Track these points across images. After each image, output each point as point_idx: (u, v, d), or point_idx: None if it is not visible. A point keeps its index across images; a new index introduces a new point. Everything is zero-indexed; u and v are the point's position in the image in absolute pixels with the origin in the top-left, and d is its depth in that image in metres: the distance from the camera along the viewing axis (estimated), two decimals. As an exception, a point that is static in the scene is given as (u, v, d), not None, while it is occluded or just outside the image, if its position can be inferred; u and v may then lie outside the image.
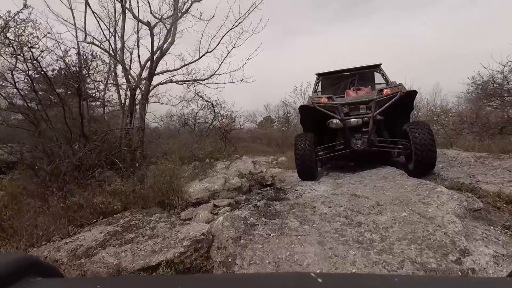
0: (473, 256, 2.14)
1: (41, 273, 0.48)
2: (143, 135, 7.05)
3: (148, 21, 6.14)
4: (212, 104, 10.77)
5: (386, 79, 6.16)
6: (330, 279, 0.44)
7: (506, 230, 2.65)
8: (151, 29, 6.21)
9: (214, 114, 11.11)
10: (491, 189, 3.65)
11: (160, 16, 6.20)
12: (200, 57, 8.04)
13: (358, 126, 4.96)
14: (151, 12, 6.11)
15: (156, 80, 8.63)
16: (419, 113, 15.05)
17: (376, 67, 6.47)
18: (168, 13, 7.07)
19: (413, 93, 5.15)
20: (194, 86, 9.79)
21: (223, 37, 7.92)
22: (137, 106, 7.38)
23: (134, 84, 7.00)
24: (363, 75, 6.54)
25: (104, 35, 8.74)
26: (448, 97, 25.80)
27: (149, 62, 7.12)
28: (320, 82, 6.62)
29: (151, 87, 7.56)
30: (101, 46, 7.48)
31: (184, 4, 6.48)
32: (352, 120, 4.95)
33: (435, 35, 41.98)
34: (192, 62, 8.06)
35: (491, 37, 36.50)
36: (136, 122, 8.00)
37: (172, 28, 6.98)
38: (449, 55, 38.28)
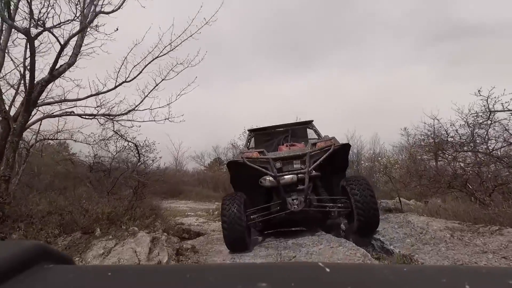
0: None
1: (53, 260, 0.48)
2: (7, 187, 4.77)
3: (26, 28, 4.31)
4: (135, 145, 8.76)
5: (319, 135, 6.15)
6: (337, 268, 0.45)
7: None
8: (31, 40, 4.37)
9: (138, 158, 9.04)
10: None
11: (52, 25, 4.46)
12: (116, 87, 6.28)
13: (294, 184, 4.72)
14: (31, 18, 4.31)
15: (45, 110, 6.51)
16: (366, 164, 15.10)
17: (309, 123, 6.54)
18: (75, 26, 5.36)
19: (347, 146, 5.22)
20: (113, 123, 7.83)
21: (146, 65, 6.36)
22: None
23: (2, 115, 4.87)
24: (296, 131, 6.51)
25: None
26: (386, 145, 27.53)
27: (35, 86, 5.16)
28: (253, 139, 6.47)
29: (32, 119, 5.51)
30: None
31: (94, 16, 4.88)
32: (286, 176, 4.70)
33: (373, 89, 46.67)
34: (104, 92, 6.26)
35: (418, 93, 41.90)
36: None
37: (74, 45, 5.24)
38: (385, 106, 42.32)
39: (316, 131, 6.33)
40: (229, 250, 4.48)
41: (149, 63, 6.33)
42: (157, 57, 6.30)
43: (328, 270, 0.42)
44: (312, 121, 6.55)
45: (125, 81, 6.28)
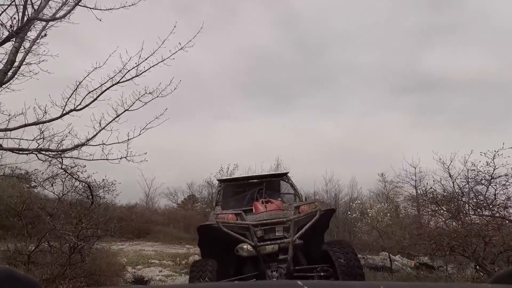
0: None
1: (19, 285, 0.47)
2: None
3: None
4: (89, 185, 7.26)
5: (295, 189, 5.99)
6: (316, 286, 0.49)
7: None
8: None
9: (91, 201, 7.48)
10: None
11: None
12: (63, 115, 5.01)
13: (275, 254, 4.41)
14: None
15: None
16: (353, 215, 14.20)
17: (284, 175, 6.39)
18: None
19: (332, 211, 5.30)
20: (61, 159, 6.38)
21: (103, 92, 5.20)
22: None
23: None
24: (271, 183, 6.13)
25: None
26: (363, 190, 27.23)
27: None
28: (222, 190, 5.94)
29: None
30: None
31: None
32: (267, 246, 4.35)
33: (348, 133, 47.85)
34: (45, 122, 4.95)
35: (390, 139, 43.45)
36: None
37: (6, 60, 4.06)
38: (359, 150, 43.13)
39: (292, 185, 6.09)
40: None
41: (107, 89, 5.19)
42: (118, 82, 5.19)
43: None
44: (288, 173, 6.44)
45: (74, 109, 5.04)
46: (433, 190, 7.80)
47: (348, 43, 55.56)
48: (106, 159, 5.23)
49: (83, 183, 7.07)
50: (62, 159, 6.46)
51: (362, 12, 55.30)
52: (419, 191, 18.55)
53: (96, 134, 5.54)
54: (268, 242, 4.32)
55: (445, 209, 8.03)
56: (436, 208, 8.28)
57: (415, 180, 18.49)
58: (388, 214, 11.31)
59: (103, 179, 8.62)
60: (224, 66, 57.55)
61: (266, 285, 0.52)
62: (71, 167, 6.77)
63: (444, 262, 9.45)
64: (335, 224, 23.63)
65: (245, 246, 4.31)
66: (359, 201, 22.55)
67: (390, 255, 12.50)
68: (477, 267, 7.35)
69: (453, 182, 11.74)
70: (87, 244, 5.91)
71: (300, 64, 56.41)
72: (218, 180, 6.54)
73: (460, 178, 8.85)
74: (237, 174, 26.88)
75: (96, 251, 8.39)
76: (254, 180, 6.15)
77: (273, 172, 6.79)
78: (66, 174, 6.84)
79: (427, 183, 8.61)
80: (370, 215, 12.64)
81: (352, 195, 25.89)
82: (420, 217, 9.83)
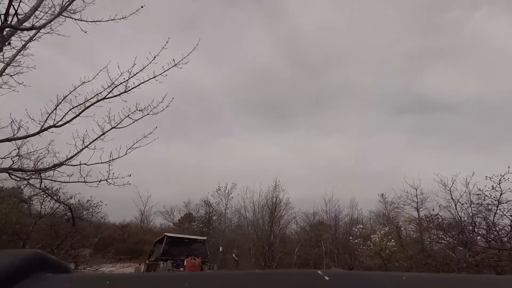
0: None
1: (51, 268, 0.48)
2: None
3: None
4: (69, 207, 6.77)
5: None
6: (336, 276, 0.44)
7: None
8: None
9: (72, 224, 6.97)
10: None
11: None
12: (41, 131, 4.63)
13: None
14: None
15: None
16: (352, 238, 13.35)
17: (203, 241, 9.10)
18: None
19: None
20: (41, 177, 5.96)
21: (87, 107, 4.84)
22: None
23: None
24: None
25: None
26: (364, 211, 26.47)
27: None
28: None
29: None
30: None
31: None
32: None
33: (346, 153, 47.51)
34: (20, 138, 4.56)
35: (388, 159, 43.06)
36: None
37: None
38: (358, 170, 42.59)
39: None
40: None
41: (91, 105, 4.83)
42: (104, 98, 4.85)
43: (327, 278, 0.42)
44: (205, 239, 9.04)
45: (54, 126, 4.66)
46: (438, 215, 7.29)
47: (348, 63, 56.47)
48: (84, 182, 4.78)
49: (64, 205, 6.58)
50: (41, 179, 6.04)
51: (363, 34, 56.57)
52: (421, 214, 17.99)
53: (78, 152, 5.13)
54: None
55: (451, 236, 7.51)
56: (442, 235, 7.75)
57: (417, 202, 17.90)
58: (392, 240, 10.68)
59: (87, 200, 8.12)
60: (225, 85, 58.09)
61: (284, 273, 0.44)
62: (52, 187, 6.33)
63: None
64: (335, 245, 22.74)
65: None
66: (361, 226, 21.69)
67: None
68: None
69: (455, 205, 11.23)
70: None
71: (300, 83, 57.03)
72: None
73: (462, 202, 8.41)
74: (233, 194, 26.29)
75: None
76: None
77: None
78: (46, 194, 6.36)
79: (432, 209, 8.14)
80: (373, 240, 11.95)
81: (352, 216, 25.12)
82: (424, 243, 9.23)
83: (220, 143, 50.69)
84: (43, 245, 6.41)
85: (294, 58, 58.90)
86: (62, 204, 6.70)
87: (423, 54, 52.61)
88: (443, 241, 8.36)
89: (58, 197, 6.66)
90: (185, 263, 6.87)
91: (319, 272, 0.44)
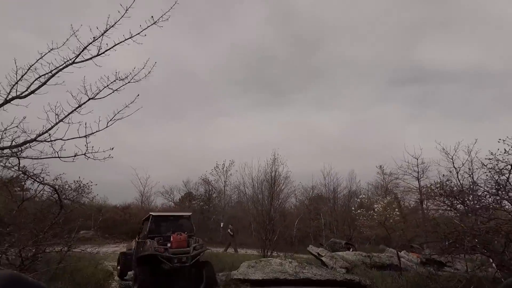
0: None
1: None
2: None
3: None
4: (55, 189, 6.30)
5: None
6: None
7: None
8: None
9: (60, 207, 6.51)
10: None
11: None
12: (3, 104, 4.01)
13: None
14: None
15: None
16: (354, 209, 13.25)
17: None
18: None
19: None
20: (18, 159, 5.41)
21: (55, 74, 4.20)
22: None
23: None
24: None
25: None
26: (362, 183, 26.43)
27: None
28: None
29: None
30: None
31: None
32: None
33: (344, 126, 47.10)
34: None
35: (386, 131, 42.81)
36: None
37: None
38: (355, 143, 42.39)
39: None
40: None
41: (58, 71, 4.19)
42: (73, 63, 4.19)
43: None
44: (190, 214, 9.22)
45: (18, 97, 4.05)
46: (446, 181, 6.90)
47: (343, 37, 54.44)
48: (58, 157, 4.25)
49: (49, 187, 6.10)
50: (19, 159, 5.49)
51: (358, 7, 54.10)
52: (421, 183, 17.82)
53: (52, 127, 4.56)
54: None
55: (461, 202, 7.20)
56: (450, 203, 7.43)
57: (418, 172, 17.67)
58: (396, 210, 10.43)
59: (76, 181, 7.64)
60: (219, 63, 56.25)
61: None
62: (33, 168, 5.82)
63: (452, 257, 8.67)
64: (334, 217, 22.86)
65: None
66: (363, 196, 21.67)
67: (391, 249, 11.70)
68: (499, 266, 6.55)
69: (457, 173, 10.91)
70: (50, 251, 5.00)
71: (295, 58, 55.26)
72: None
73: (465, 170, 8.00)
74: (231, 171, 26.01)
75: (80, 257, 7.48)
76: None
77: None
78: (26, 176, 5.86)
79: (439, 177, 7.78)
80: (376, 209, 11.70)
81: (351, 188, 25.09)
82: (424, 212, 8.93)
83: (216, 122, 49.92)
84: (30, 230, 5.97)
85: (288, 33, 56.71)
86: (46, 185, 6.20)
87: (420, 25, 50.73)
88: (451, 209, 8.06)
89: (41, 178, 6.15)
90: (171, 239, 7.22)
91: None
